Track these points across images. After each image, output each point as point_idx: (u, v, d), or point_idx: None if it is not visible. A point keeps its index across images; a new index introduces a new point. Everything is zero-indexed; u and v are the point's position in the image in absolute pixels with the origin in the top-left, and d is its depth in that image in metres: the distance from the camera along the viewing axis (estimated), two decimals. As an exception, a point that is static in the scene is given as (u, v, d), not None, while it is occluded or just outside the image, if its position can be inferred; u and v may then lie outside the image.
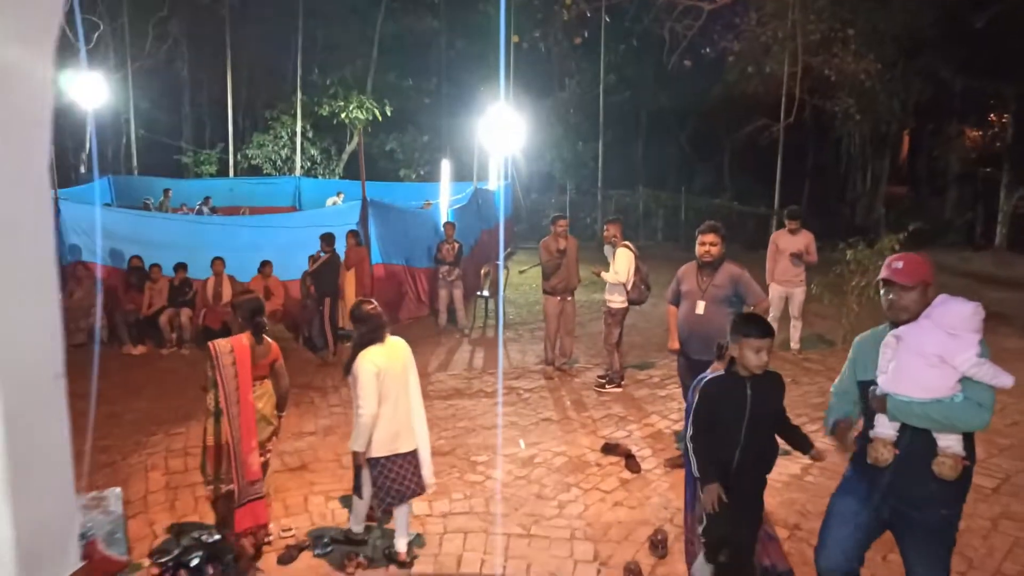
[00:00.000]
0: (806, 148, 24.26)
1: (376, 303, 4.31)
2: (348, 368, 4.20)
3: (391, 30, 24.63)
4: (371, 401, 4.04)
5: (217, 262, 9.97)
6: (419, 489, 4.37)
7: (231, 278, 10.08)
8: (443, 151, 22.50)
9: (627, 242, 7.69)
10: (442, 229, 11.09)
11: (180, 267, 10.05)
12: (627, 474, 5.57)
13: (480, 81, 23.74)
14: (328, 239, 9.37)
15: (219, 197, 20.34)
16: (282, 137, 24.41)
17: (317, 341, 9.53)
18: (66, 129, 23.77)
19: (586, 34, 21.31)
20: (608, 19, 20.18)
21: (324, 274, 9.34)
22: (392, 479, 4.23)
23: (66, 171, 24.19)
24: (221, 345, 4.24)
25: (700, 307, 5.18)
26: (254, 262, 10.22)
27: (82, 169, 22.86)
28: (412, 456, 4.31)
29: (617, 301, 7.60)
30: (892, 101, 20.13)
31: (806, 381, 7.90)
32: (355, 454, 4.18)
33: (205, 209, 18.23)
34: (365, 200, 10.69)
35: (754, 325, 3.36)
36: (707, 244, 5.23)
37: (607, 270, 7.68)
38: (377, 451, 4.18)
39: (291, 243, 10.52)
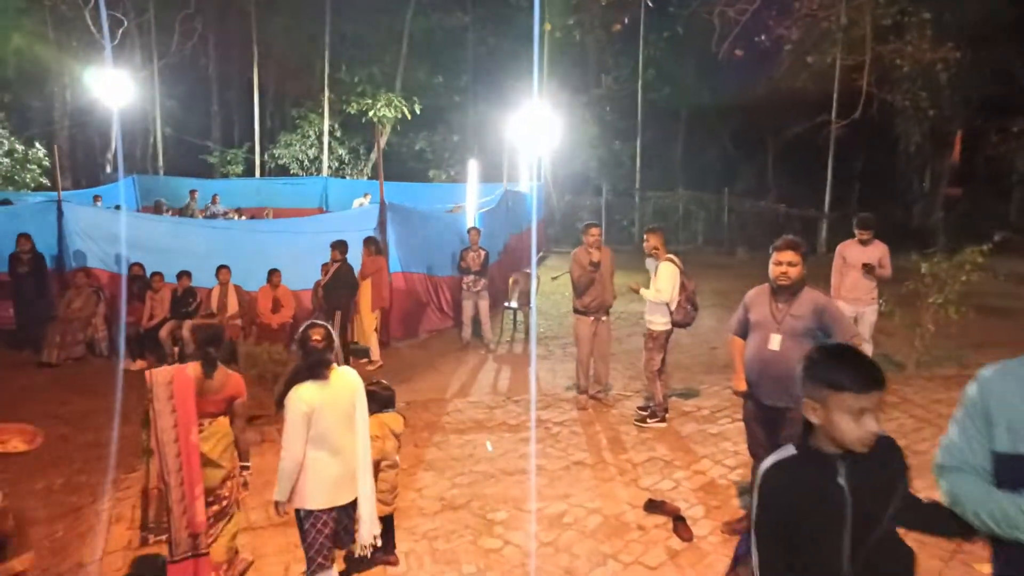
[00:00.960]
0: (858, 147, 22.87)
1: (325, 333, 3.63)
2: (279, 403, 3.58)
3: (421, 25, 23.85)
4: (295, 445, 3.47)
5: (222, 271, 9.20)
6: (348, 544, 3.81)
7: (238, 288, 9.31)
8: (473, 151, 21.65)
9: (671, 255, 6.71)
10: (467, 235, 10.18)
11: (183, 275, 9.31)
12: (676, 542, 4.59)
13: (512, 78, 22.82)
14: (340, 247, 8.53)
15: (245, 198, 19.89)
16: (309, 136, 23.80)
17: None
18: (94, 128, 23.50)
19: (626, 20, 20.23)
20: (651, 2, 19.04)
21: (335, 285, 8.51)
22: (327, 536, 3.60)
23: (92, 170, 23.93)
24: (158, 375, 3.73)
25: (774, 341, 4.17)
26: (264, 270, 9.43)
27: (108, 168, 22.49)
28: (351, 509, 3.71)
29: (659, 323, 6.62)
30: (954, 96, 18.73)
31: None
32: (276, 505, 3.62)
33: (215, 209, 17.55)
34: (384, 204, 9.86)
35: (853, 368, 2.01)
36: (784, 264, 4.20)
37: (647, 285, 6.71)
38: (311, 502, 3.56)
39: (305, 250, 9.69)
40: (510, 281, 11.12)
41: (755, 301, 4.40)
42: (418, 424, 6.68)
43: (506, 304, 10.93)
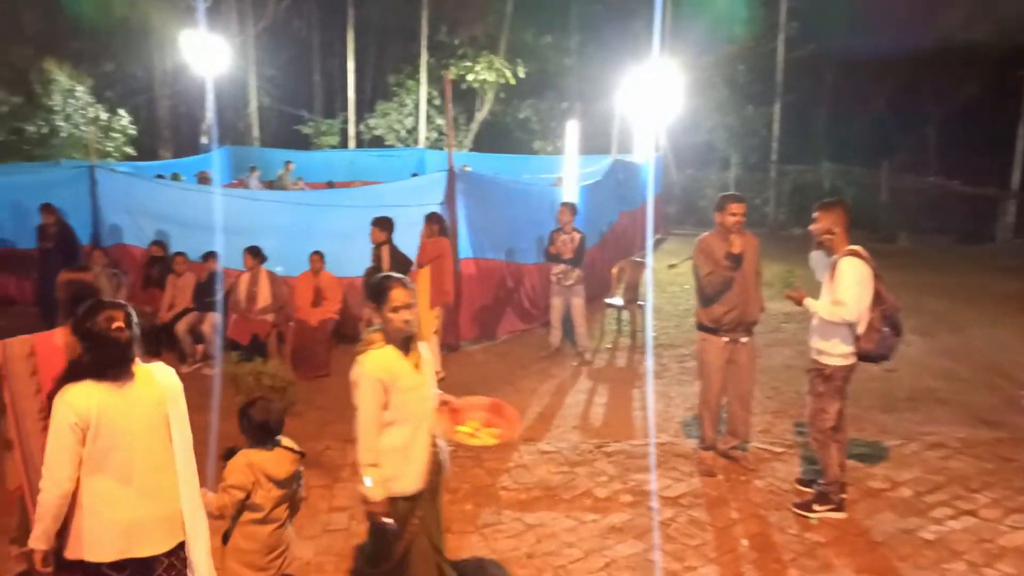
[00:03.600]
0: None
1: (126, 315, 2.59)
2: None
3: (528, -20, 21.56)
4: (58, 468, 2.49)
5: (250, 255, 7.42)
6: None
7: (271, 275, 7.51)
8: (580, 116, 19.28)
9: (857, 247, 4.23)
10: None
11: (209, 256, 7.61)
12: None
13: (629, 37, 20.16)
14: (380, 224, 6.51)
15: (339, 171, 18.61)
16: (407, 105, 22.13)
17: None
18: (196, 98, 22.89)
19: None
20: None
21: (373, 275, 6.50)
22: None
23: (194, 141, 23.39)
24: (13, 346, 2.87)
25: None
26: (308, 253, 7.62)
27: (203, 140, 21.76)
28: (169, 560, 2.64)
29: (836, 354, 4.18)
30: None
31: None
32: (30, 555, 2.57)
33: (253, 181, 16.14)
34: (452, 172, 7.79)
35: None
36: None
37: (813, 293, 4.30)
38: (90, 551, 2.54)
39: (359, 228, 7.67)
40: (614, 271, 8.83)
41: None
42: (463, 487, 4.58)
43: (608, 301, 8.66)
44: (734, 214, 4.57)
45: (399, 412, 2.85)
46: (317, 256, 7.53)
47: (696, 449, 5.03)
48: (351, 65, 21.36)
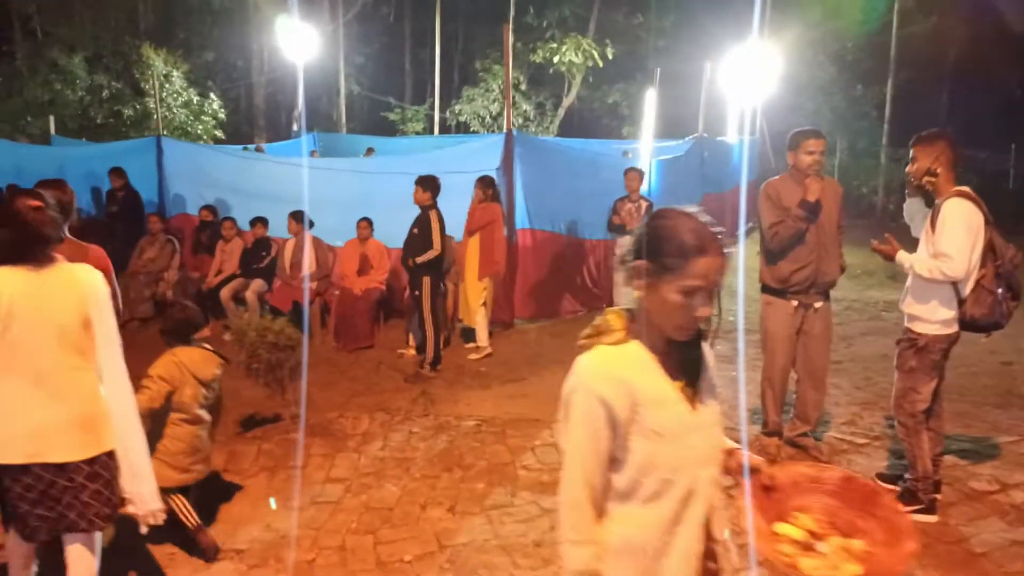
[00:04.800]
0: None
1: (45, 199, 2.43)
2: None
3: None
4: None
5: (293, 220, 7.14)
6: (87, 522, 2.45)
7: (317, 242, 7.22)
8: (669, 101, 18.33)
9: (965, 188, 3.41)
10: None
11: (258, 222, 7.40)
12: None
13: (729, 16, 19.02)
14: (424, 184, 6.02)
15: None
16: (493, 90, 21.75)
17: (417, 340, 6.37)
18: (287, 85, 23.44)
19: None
20: None
21: (413, 242, 6.05)
22: (20, 498, 2.38)
23: (281, 128, 23.94)
24: None
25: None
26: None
27: (294, 127, 22.21)
28: (92, 469, 2.42)
29: (935, 319, 3.37)
30: None
31: None
32: None
33: None
34: (511, 134, 7.26)
35: None
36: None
37: (909, 247, 3.50)
38: (1, 455, 2.35)
39: (410, 196, 7.27)
40: (689, 249, 8.04)
41: None
42: (478, 464, 4.03)
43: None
44: (811, 152, 3.81)
45: (646, 470, 1.49)
46: (365, 223, 7.16)
47: (758, 436, 4.28)
48: (437, 51, 21.20)
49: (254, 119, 22.52)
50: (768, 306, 4.00)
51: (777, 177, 4.03)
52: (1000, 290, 3.29)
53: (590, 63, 19.70)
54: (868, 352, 6.43)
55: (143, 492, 2.48)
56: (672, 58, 20.86)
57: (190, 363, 3.12)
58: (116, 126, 16.39)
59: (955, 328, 3.36)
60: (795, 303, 3.92)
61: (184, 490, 3.16)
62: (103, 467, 2.45)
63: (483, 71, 22.03)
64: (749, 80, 14.60)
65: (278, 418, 4.62)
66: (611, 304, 7.44)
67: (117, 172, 8.51)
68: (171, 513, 2.89)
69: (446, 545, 3.24)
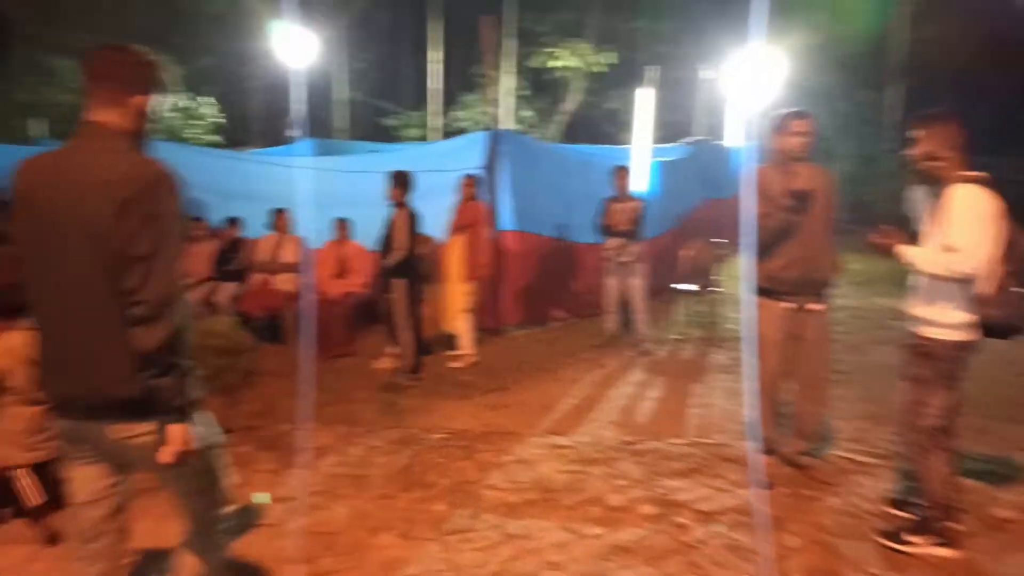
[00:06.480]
0: None
1: None
2: None
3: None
4: None
5: (281, 216, 6.79)
6: None
7: (298, 239, 6.86)
8: (669, 108, 17.96)
9: (979, 173, 3.01)
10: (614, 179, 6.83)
11: (231, 223, 7.05)
12: None
13: (729, 22, 18.71)
14: (395, 180, 5.64)
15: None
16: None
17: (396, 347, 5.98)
18: (284, 90, 23.19)
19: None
20: None
21: (389, 243, 5.67)
22: None
23: (277, 133, 23.68)
24: None
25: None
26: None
27: (288, 131, 21.96)
28: None
29: (947, 323, 2.96)
30: None
31: None
32: None
33: None
34: (496, 132, 6.91)
35: None
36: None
37: (913, 240, 3.10)
38: None
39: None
40: (685, 253, 7.69)
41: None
42: (440, 482, 3.63)
43: (676, 286, 7.54)
44: (798, 133, 3.43)
45: None
46: (342, 223, 6.81)
47: (753, 453, 3.88)
48: (430, 56, 20.96)
49: (249, 125, 22.27)
50: (761, 307, 3.60)
51: (766, 165, 3.66)
52: (1017, 286, 2.89)
53: (592, 69, 19.40)
54: (876, 362, 6.04)
55: None
56: (672, 64, 20.55)
57: (20, 347, 3.03)
58: (107, 130, 16.15)
59: (971, 334, 2.97)
60: (786, 304, 3.53)
61: (38, 468, 3.14)
62: None
63: (481, 77, 21.77)
64: (751, 85, 14.28)
65: (227, 431, 4.23)
66: (601, 310, 7.05)
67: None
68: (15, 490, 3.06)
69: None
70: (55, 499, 3.06)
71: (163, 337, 1.78)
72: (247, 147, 20.55)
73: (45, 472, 3.13)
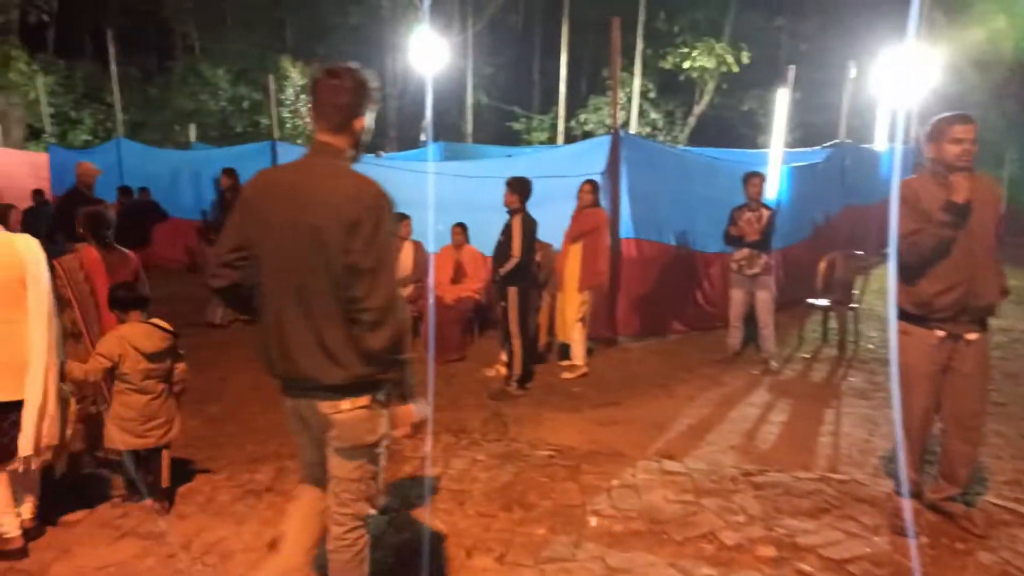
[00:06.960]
0: None
1: None
2: None
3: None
4: None
5: (403, 224, 6.89)
6: None
7: (418, 246, 6.96)
8: (812, 107, 16.93)
9: None
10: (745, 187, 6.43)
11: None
12: None
13: (878, 18, 17.42)
14: (517, 187, 5.53)
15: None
16: (620, 99, 21.15)
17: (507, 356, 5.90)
18: (418, 96, 23.97)
19: None
20: None
21: (504, 250, 5.58)
22: None
23: (411, 138, 24.44)
24: (67, 260, 3.64)
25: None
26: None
27: (422, 137, 22.61)
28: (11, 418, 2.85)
29: None
30: None
31: None
32: None
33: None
34: (617, 135, 6.69)
35: None
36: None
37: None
38: None
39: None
40: (822, 265, 7.15)
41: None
42: (542, 504, 3.49)
43: (811, 301, 7.02)
44: (959, 140, 3.02)
45: None
46: (459, 228, 6.83)
47: (891, 494, 3.47)
48: (563, 59, 20.88)
49: (384, 130, 23.11)
50: (905, 336, 3.20)
51: (914, 176, 3.25)
52: None
53: (723, 69, 18.67)
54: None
55: (23, 440, 2.81)
56: (814, 63, 19.42)
57: (131, 337, 3.28)
58: (254, 135, 17.25)
59: None
60: (940, 333, 3.11)
61: (141, 455, 3.41)
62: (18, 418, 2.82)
63: (609, 79, 21.52)
64: (903, 83, 13.19)
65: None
66: (724, 324, 6.66)
67: (228, 172, 8.67)
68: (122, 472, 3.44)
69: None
70: (155, 484, 3.41)
71: (389, 338, 2.04)
72: (382, 151, 21.40)
73: (151, 459, 3.42)
